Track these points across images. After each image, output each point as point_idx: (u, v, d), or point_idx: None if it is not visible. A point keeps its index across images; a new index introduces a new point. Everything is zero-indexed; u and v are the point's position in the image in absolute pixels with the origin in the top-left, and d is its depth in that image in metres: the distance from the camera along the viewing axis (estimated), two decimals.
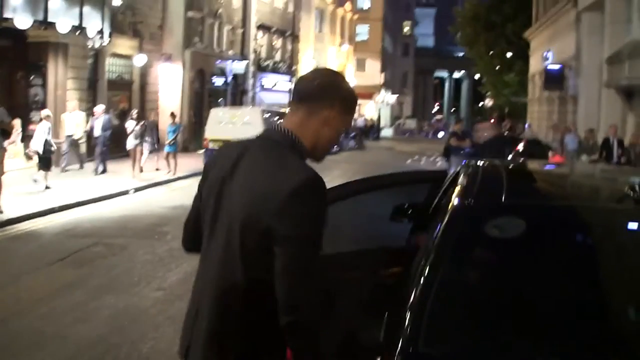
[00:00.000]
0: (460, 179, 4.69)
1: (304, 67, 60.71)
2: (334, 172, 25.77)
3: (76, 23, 22.86)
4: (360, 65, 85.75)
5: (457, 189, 4.32)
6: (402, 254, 5.16)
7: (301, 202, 3.02)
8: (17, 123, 21.81)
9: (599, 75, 30.76)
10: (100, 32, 24.08)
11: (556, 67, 39.97)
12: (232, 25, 45.38)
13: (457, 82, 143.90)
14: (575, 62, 36.16)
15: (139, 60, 32.77)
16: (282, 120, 3.51)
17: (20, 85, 27.23)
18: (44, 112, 21.65)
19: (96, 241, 14.36)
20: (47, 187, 20.27)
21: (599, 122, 30.22)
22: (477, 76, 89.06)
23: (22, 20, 21.99)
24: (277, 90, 52.45)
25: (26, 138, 22.61)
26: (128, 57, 32.88)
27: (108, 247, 13.89)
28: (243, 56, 46.98)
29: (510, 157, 22.04)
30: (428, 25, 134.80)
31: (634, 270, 3.52)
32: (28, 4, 21.96)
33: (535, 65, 50.33)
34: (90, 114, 26.72)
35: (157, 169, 26.46)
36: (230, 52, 45.26)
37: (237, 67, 44.84)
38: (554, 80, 39.49)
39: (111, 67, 31.81)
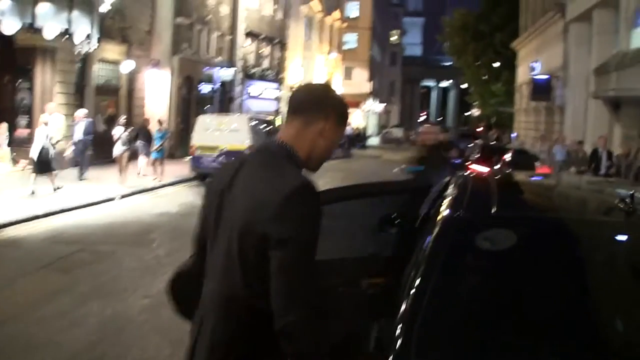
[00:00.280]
0: (450, 189, 4.69)
1: (292, 75, 60.74)
2: (320, 181, 25.59)
3: (64, 28, 22.79)
4: (348, 74, 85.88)
5: (447, 200, 4.32)
6: (385, 264, 5.17)
7: (294, 207, 3.11)
8: (3, 127, 21.76)
9: (586, 86, 30.89)
10: (88, 37, 24.02)
11: (543, 77, 40.13)
12: (220, 32, 45.39)
13: (444, 92, 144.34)
14: (563, 72, 36.31)
15: (127, 65, 32.70)
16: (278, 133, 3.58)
17: (7, 89, 27.13)
18: (43, 118, 21.67)
19: (82, 248, 14.31)
20: (57, 188, 20.74)
21: (586, 132, 30.34)
22: (464, 86, 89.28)
23: (10, 25, 21.88)
24: (264, 97, 52.46)
25: (13, 142, 22.54)
26: (116, 63, 32.80)
27: (94, 254, 13.84)
28: (231, 63, 47.00)
29: (497, 167, 22.14)
30: (416, 34, 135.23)
31: (624, 282, 3.53)
32: (16, 8, 21.86)
33: (522, 75, 50.55)
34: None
35: (140, 174, 26.36)
36: (219, 59, 45.26)
37: (224, 74, 44.84)
38: (541, 90, 39.61)
39: (99, 72, 31.71)
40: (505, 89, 58.79)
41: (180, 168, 29.60)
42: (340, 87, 76.69)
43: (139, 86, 35.90)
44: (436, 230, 3.74)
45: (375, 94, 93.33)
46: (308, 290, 3.13)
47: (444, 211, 4.02)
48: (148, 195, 23.55)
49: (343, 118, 3.54)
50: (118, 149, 23.86)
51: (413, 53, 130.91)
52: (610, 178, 20.56)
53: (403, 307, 3.32)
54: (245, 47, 50.33)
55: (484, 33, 60.12)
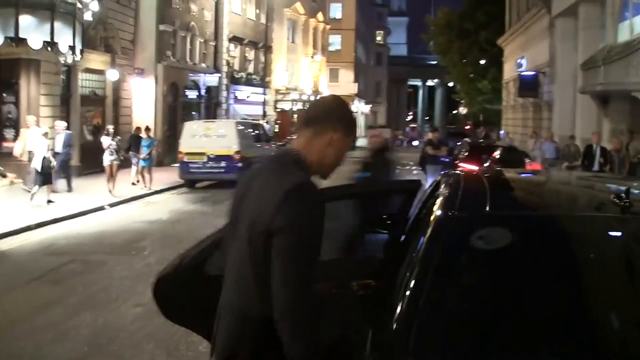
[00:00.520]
0: (442, 189, 4.65)
1: (278, 79, 60.71)
2: None
3: (47, 39, 22.66)
4: (334, 76, 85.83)
5: (439, 199, 4.28)
6: (375, 265, 5.13)
7: (292, 200, 3.36)
8: None
9: (574, 81, 30.90)
10: (72, 47, 23.86)
11: (530, 73, 40.16)
12: (204, 38, 45.36)
13: (431, 91, 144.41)
14: (550, 68, 36.37)
15: (112, 75, 32.64)
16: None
17: None
18: (42, 130, 21.91)
19: (73, 258, 14.25)
20: (49, 202, 20.83)
21: (575, 128, 30.35)
22: (450, 84, 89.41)
23: None
24: (251, 102, 52.34)
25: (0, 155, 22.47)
26: (101, 72, 32.78)
27: (85, 264, 13.78)
28: (216, 69, 47.00)
29: (486, 165, 22.13)
30: (401, 34, 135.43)
31: (621, 279, 3.50)
32: None
33: (509, 72, 50.60)
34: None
35: (133, 183, 26.31)
36: (203, 65, 45.24)
37: (210, 79, 44.79)
38: (528, 86, 39.67)
39: (84, 82, 31.70)
40: (492, 87, 58.86)
41: (169, 175, 29.56)
42: (326, 89, 76.68)
43: (124, 95, 35.91)
44: (429, 230, 3.71)
45: (361, 95, 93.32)
46: (299, 283, 3.31)
47: (437, 211, 3.99)
48: (138, 203, 23.52)
49: (351, 129, 3.80)
50: (107, 158, 23.76)
51: (398, 53, 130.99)
52: (600, 173, 20.52)
53: (399, 309, 3.30)
54: (230, 52, 50.29)
55: (469, 31, 60.13)
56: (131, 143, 26.67)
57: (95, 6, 26.44)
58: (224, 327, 3.71)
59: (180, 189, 27.89)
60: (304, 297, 3.35)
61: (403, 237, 5.47)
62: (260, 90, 51.73)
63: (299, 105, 68.04)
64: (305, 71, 70.59)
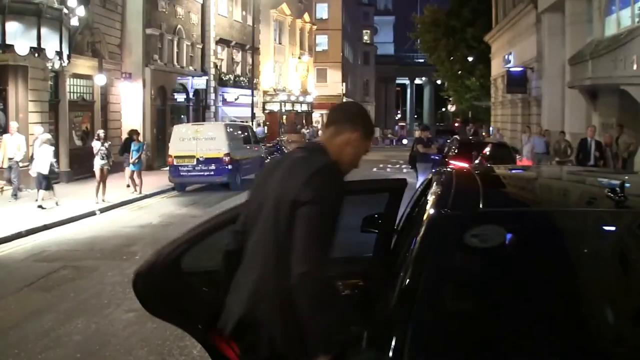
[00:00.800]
0: (434, 187, 4.63)
1: (265, 80, 60.68)
2: None
3: (34, 45, 22.62)
4: (321, 76, 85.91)
5: (432, 198, 4.26)
6: (360, 265, 5.11)
7: (320, 178, 3.70)
8: None
9: (562, 76, 30.97)
10: (59, 53, 23.82)
11: (518, 69, 40.21)
12: (191, 41, 45.29)
13: (419, 89, 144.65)
14: (537, 63, 36.45)
15: (100, 80, 32.56)
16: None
17: None
18: (44, 136, 22.13)
19: (64, 264, 14.21)
20: (40, 207, 21.15)
21: (564, 123, 30.39)
22: (438, 82, 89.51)
23: None
24: (239, 104, 52.31)
25: None
26: (88, 77, 32.67)
27: (76, 270, 13.74)
28: (204, 71, 46.92)
29: (476, 162, 22.13)
30: (388, 33, 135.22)
31: (616, 273, 3.49)
32: None
33: (496, 68, 50.67)
34: (52, 136, 26.53)
35: (128, 185, 26.27)
36: (191, 68, 45.17)
37: (198, 82, 44.75)
38: (516, 82, 39.73)
39: (72, 87, 31.62)
40: (480, 83, 58.96)
41: (159, 179, 29.50)
42: (313, 90, 76.71)
43: (113, 99, 35.85)
44: (423, 229, 3.69)
45: (349, 94, 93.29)
46: (319, 249, 3.58)
47: (430, 209, 3.97)
48: (128, 208, 23.46)
49: (368, 133, 4.16)
50: (98, 163, 23.65)
51: (385, 52, 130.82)
52: (593, 168, 20.50)
53: (393, 309, 3.30)
54: (217, 55, 50.26)
55: (456, 28, 60.20)
56: (126, 146, 26.60)
57: (81, 11, 26.43)
58: (236, 299, 3.94)
59: (171, 192, 27.85)
60: (323, 264, 3.56)
61: (395, 236, 5.46)
62: (248, 92, 51.67)
63: (288, 106, 68.06)
64: (292, 72, 70.63)
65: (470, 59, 60.11)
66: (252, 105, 50.29)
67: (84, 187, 25.30)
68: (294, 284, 3.51)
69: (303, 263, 3.52)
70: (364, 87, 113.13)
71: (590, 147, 22.94)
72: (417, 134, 42.75)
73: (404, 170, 36.60)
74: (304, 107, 76.14)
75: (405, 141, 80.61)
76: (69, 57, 25.39)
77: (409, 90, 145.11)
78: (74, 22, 26.12)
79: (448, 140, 34.71)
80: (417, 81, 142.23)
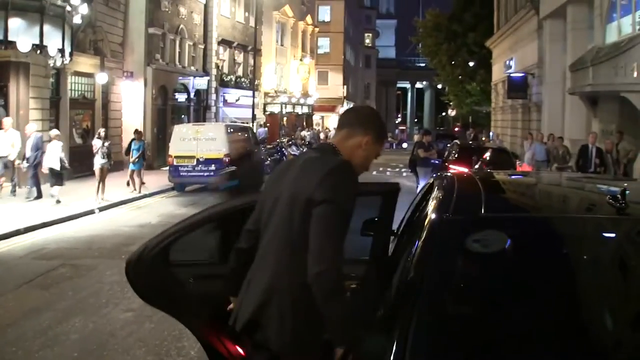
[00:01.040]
0: (435, 192, 4.63)
1: (267, 81, 60.65)
2: None
3: (37, 42, 22.59)
4: (323, 78, 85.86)
5: (433, 202, 4.27)
6: (354, 268, 5.12)
7: (334, 177, 3.82)
8: None
9: (563, 83, 31.00)
10: (61, 50, 23.78)
11: (519, 75, 40.24)
12: (193, 41, 45.29)
13: (420, 93, 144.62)
14: (538, 69, 36.49)
15: (101, 78, 32.53)
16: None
17: None
18: (53, 132, 22.85)
19: (62, 263, 14.20)
20: (58, 202, 21.79)
21: (564, 129, 30.39)
22: (439, 86, 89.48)
23: None
24: (240, 105, 52.25)
25: None
26: (90, 75, 32.64)
27: (75, 269, 13.73)
28: (205, 72, 46.90)
29: (476, 166, 22.14)
30: (389, 36, 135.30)
31: (615, 279, 3.50)
32: None
33: (497, 73, 50.68)
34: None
35: (128, 184, 26.27)
36: (192, 68, 45.16)
37: (199, 82, 44.68)
38: (517, 88, 39.76)
39: (73, 85, 31.59)
40: (481, 88, 59.00)
41: (159, 178, 29.48)
42: (315, 92, 76.67)
43: (114, 98, 35.82)
44: (424, 233, 3.70)
45: (350, 97, 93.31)
46: (335, 247, 3.70)
47: (432, 214, 3.97)
48: (127, 207, 23.44)
49: (380, 137, 4.26)
50: (98, 162, 23.61)
51: (387, 55, 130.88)
52: (593, 174, 20.47)
53: (395, 313, 3.30)
54: (219, 55, 50.24)
55: (457, 33, 60.27)
56: (130, 146, 26.61)
57: (84, 9, 26.36)
58: (248, 296, 4.03)
59: (170, 192, 27.84)
60: (338, 262, 3.68)
61: (395, 240, 5.47)
62: (249, 93, 51.60)
63: (288, 108, 68.03)
64: (294, 74, 70.57)
65: (471, 63, 60.18)
66: (253, 107, 50.24)
67: (84, 186, 25.27)
68: (311, 282, 3.62)
69: (319, 262, 3.62)
70: (365, 90, 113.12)
71: (591, 153, 22.89)
72: (416, 137, 42.76)
73: (404, 174, 36.60)
74: (305, 109, 76.05)
75: (405, 145, 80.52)
76: (71, 54, 25.36)
77: (409, 94, 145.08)
78: (77, 19, 26.05)
79: (448, 145, 34.72)
80: (418, 85, 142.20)
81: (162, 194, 27.23)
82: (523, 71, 39.97)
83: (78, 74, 31.59)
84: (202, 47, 46.96)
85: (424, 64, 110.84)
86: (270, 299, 3.90)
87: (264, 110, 61.18)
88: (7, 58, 25.40)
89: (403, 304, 3.30)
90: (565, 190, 5.36)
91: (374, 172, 38.01)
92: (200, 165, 27.50)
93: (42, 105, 27.64)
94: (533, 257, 3.57)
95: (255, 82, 54.07)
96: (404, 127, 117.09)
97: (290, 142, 48.16)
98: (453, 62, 63.28)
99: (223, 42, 50.75)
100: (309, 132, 63.62)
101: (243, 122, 42.15)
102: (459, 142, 33.17)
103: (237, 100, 52.29)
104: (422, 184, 15.31)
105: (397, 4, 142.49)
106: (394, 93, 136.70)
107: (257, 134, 42.28)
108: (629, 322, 3.28)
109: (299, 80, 71.92)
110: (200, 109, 46.51)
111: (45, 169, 21.95)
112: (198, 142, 27.82)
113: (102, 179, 23.31)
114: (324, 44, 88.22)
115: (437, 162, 24.56)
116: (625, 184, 4.12)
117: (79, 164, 28.03)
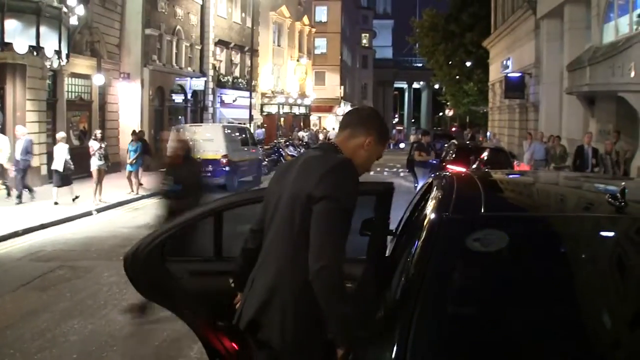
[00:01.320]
0: (434, 191, 4.63)
1: (264, 82, 60.63)
2: None
3: (33, 43, 22.54)
4: (320, 79, 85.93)
5: (433, 202, 4.26)
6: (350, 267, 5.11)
7: (335, 174, 3.86)
8: None
9: (560, 82, 31.05)
10: (58, 52, 23.73)
11: (516, 74, 40.27)
12: (190, 42, 45.31)
13: (417, 93, 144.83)
14: (536, 69, 36.53)
15: (98, 79, 32.53)
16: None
17: None
18: (60, 135, 23.29)
19: (60, 264, 14.18)
20: (76, 197, 22.82)
21: (561, 129, 30.42)
22: (436, 86, 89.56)
23: None
24: (237, 105, 52.28)
25: None
26: (87, 77, 32.65)
27: (73, 270, 13.71)
28: (202, 72, 46.94)
29: (474, 166, 22.15)
30: (386, 36, 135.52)
31: (619, 278, 3.50)
32: None
33: (494, 73, 50.75)
34: (49, 135, 26.62)
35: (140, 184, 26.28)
36: (189, 69, 45.18)
37: (196, 83, 44.71)
38: (514, 88, 39.79)
39: (70, 87, 31.58)
40: (478, 88, 59.07)
41: (156, 180, 29.40)
42: (312, 93, 76.69)
43: (110, 99, 35.80)
44: (424, 233, 3.69)
45: (347, 97, 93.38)
46: (336, 244, 3.73)
47: (431, 213, 3.97)
48: (125, 208, 23.43)
49: (382, 138, 4.28)
50: (95, 163, 23.59)
51: (384, 55, 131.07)
52: (592, 174, 20.43)
53: (395, 312, 3.30)
54: (216, 56, 50.27)
55: (454, 33, 60.32)
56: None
57: (81, 10, 26.39)
58: (253, 294, 4.06)
59: None
60: (339, 259, 3.71)
61: (394, 240, 5.47)
62: (246, 93, 51.65)
63: (286, 109, 68.03)
64: (291, 74, 70.62)
65: (468, 63, 60.26)
66: (250, 107, 50.27)
67: (81, 187, 25.19)
68: (312, 279, 3.66)
69: (320, 258, 3.65)
70: (362, 90, 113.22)
71: (587, 153, 22.89)
72: (412, 138, 42.70)
73: (401, 174, 36.60)
74: (302, 110, 76.11)
75: (402, 145, 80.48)
76: (67, 56, 25.29)
77: (406, 94, 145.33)
78: (73, 21, 26.05)
79: (445, 145, 34.73)
80: (415, 85, 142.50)
81: (160, 195, 27.14)
82: (520, 71, 40.01)
83: (75, 75, 31.59)
84: (199, 48, 46.98)
85: (421, 64, 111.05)
86: (272, 298, 3.93)
87: (261, 111, 61.20)
88: (4, 60, 25.40)
89: (403, 303, 3.30)
90: (564, 190, 5.36)
91: (372, 172, 37.97)
92: None
93: (39, 107, 27.62)
94: (534, 256, 3.56)
95: (253, 83, 54.10)
96: (402, 127, 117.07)
97: (288, 143, 48.21)
98: (450, 62, 63.36)
99: (220, 43, 50.79)
100: (306, 133, 63.65)
101: (240, 123, 42.15)
102: (456, 142, 33.16)
103: (234, 101, 52.31)
104: (421, 184, 15.20)
105: (394, 4, 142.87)
106: (391, 93, 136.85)
107: (255, 134, 42.28)
108: (629, 321, 3.28)
109: (296, 81, 72.00)
110: (197, 110, 46.58)
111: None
112: (195, 143, 27.78)
113: (99, 181, 23.31)
114: (321, 45, 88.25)
115: (434, 162, 24.55)
116: (624, 183, 4.11)
117: (76, 166, 28.00)
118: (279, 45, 67.45)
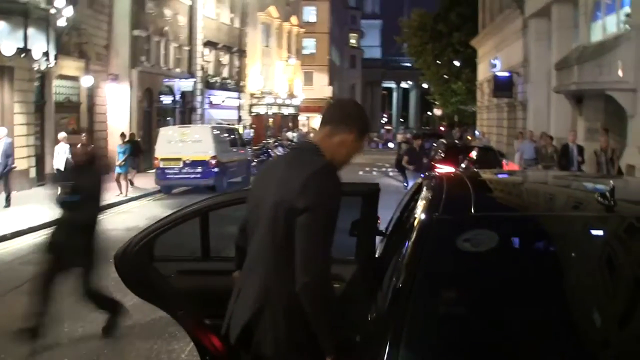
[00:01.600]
0: (424, 192, 4.64)
1: (252, 83, 60.60)
2: None
3: (21, 45, 22.50)
4: (308, 79, 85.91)
5: (423, 202, 4.27)
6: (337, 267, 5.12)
7: (316, 181, 3.75)
8: None
9: (548, 81, 31.11)
10: (46, 53, 23.72)
11: (504, 74, 40.35)
12: (178, 43, 45.26)
13: (405, 92, 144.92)
14: (524, 68, 36.62)
15: (86, 81, 32.48)
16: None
17: None
18: (61, 135, 23.49)
19: None
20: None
21: (549, 127, 30.47)
22: (425, 86, 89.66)
23: None
24: (225, 106, 52.29)
25: None
26: (75, 79, 32.59)
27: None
28: (190, 74, 46.88)
29: (463, 165, 22.17)
30: (374, 36, 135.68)
31: (609, 276, 3.52)
32: None
33: (483, 72, 50.83)
34: (37, 137, 26.58)
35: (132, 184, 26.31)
36: (178, 70, 45.13)
37: (184, 84, 44.64)
38: (502, 87, 39.88)
39: (58, 89, 31.50)
40: (466, 87, 59.15)
41: (145, 181, 29.41)
42: (300, 93, 76.68)
43: (99, 101, 35.74)
44: (414, 233, 3.70)
45: (335, 97, 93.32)
46: (322, 255, 3.68)
47: (421, 214, 3.97)
48: (114, 210, 23.35)
49: (364, 133, 4.18)
50: None
51: (372, 55, 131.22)
52: (581, 173, 20.43)
53: (385, 313, 3.32)
54: (204, 57, 50.20)
55: (443, 33, 60.42)
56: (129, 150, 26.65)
57: (68, 12, 26.33)
58: (241, 305, 4.00)
59: (157, 195, 27.79)
60: (325, 270, 3.68)
61: (384, 241, 5.48)
62: (235, 94, 51.70)
63: (274, 109, 68.02)
64: (279, 75, 70.59)
65: (456, 63, 60.33)
66: (239, 108, 50.27)
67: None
68: (298, 291, 3.62)
69: (306, 273, 3.62)
70: (350, 90, 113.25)
71: (572, 152, 22.91)
72: (399, 137, 42.65)
73: (390, 174, 36.60)
74: (291, 110, 76.18)
75: (391, 144, 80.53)
76: (55, 58, 25.29)
77: (395, 94, 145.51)
78: (61, 22, 26.00)
79: (434, 144, 34.77)
80: (404, 85, 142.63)
81: (149, 197, 27.18)
82: (508, 70, 40.10)
83: (63, 77, 31.52)
84: (188, 49, 46.95)
85: (409, 64, 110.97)
86: (262, 309, 3.87)
87: (250, 112, 61.18)
88: None
89: (394, 304, 3.31)
90: (554, 189, 5.37)
91: (360, 172, 38.04)
92: (186, 168, 27.48)
93: (27, 109, 27.52)
94: (524, 256, 3.58)
95: (241, 84, 54.10)
96: (390, 127, 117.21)
97: (277, 143, 48.20)
98: (438, 62, 63.45)
99: (208, 44, 50.75)
100: (295, 133, 63.64)
101: (229, 124, 42.14)
102: (445, 142, 33.20)
103: (222, 102, 52.31)
104: (411, 184, 15.20)
105: (382, 4, 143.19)
106: (379, 93, 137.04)
107: (244, 135, 42.28)
108: (617, 319, 3.30)
109: (285, 81, 71.97)
110: (185, 111, 46.53)
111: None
112: (184, 144, 27.80)
113: None
114: (309, 45, 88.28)
115: (424, 161, 24.56)
116: (612, 182, 4.13)
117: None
118: (267, 46, 67.42)
